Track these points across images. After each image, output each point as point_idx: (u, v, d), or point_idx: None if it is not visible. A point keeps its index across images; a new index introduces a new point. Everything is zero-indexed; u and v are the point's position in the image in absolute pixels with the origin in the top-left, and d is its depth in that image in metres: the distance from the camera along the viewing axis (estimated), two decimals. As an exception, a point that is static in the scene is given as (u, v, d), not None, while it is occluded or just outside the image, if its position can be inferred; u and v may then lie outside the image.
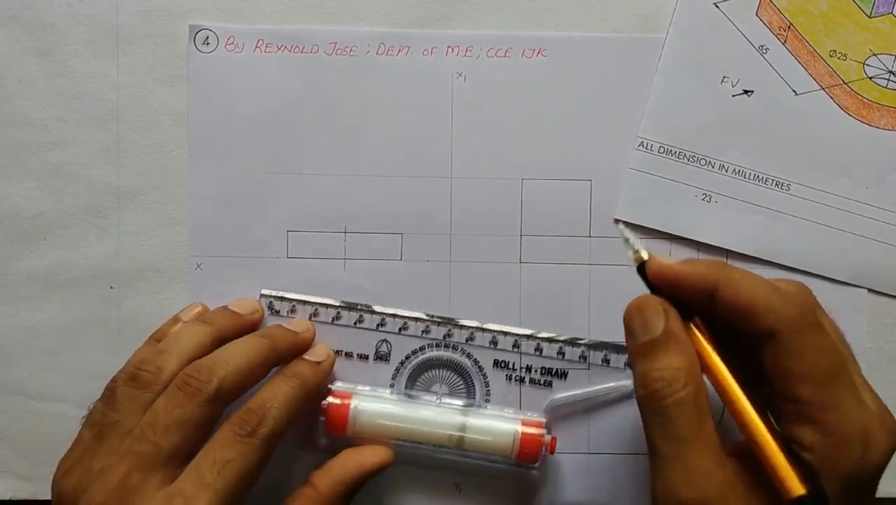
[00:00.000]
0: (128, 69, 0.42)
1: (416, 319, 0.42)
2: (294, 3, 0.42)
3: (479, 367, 0.42)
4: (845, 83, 0.41)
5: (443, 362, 0.42)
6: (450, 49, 0.42)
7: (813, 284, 0.34)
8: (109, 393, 0.37)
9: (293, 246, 0.42)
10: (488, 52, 0.42)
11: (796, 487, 0.30)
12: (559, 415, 0.42)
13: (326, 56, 0.42)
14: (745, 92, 0.41)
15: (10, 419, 0.43)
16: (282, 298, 0.42)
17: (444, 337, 0.42)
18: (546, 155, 0.42)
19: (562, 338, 0.42)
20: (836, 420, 0.31)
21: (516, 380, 0.42)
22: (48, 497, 0.43)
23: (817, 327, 0.32)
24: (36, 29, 0.42)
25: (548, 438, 0.40)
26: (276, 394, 0.37)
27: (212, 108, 0.42)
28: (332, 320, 0.42)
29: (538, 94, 0.42)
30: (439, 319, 0.42)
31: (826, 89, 0.41)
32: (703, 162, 0.42)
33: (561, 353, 0.42)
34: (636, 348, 0.33)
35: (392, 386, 0.42)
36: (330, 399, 0.40)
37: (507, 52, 0.42)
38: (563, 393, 0.42)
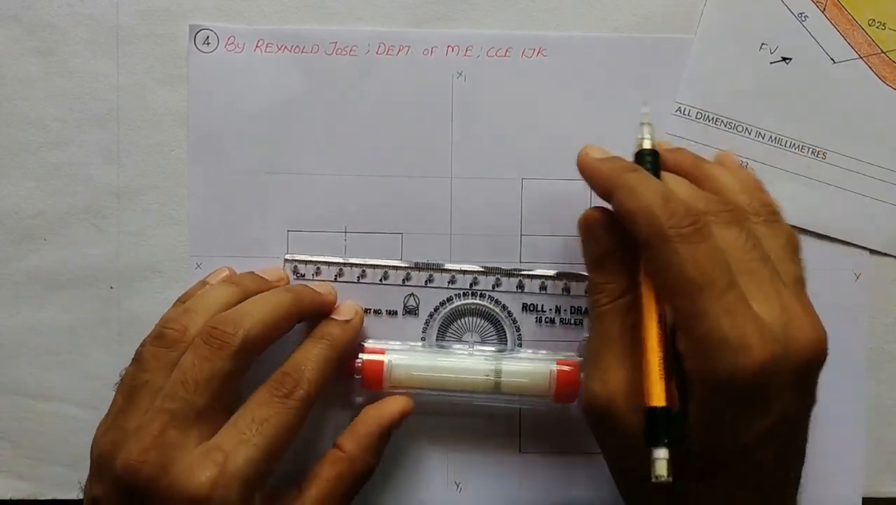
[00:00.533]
0: (128, 69, 0.42)
1: (442, 270, 0.42)
2: (294, 3, 0.42)
3: (508, 312, 0.42)
4: (884, 52, 0.42)
5: (472, 311, 0.42)
6: (450, 49, 0.42)
7: (846, 252, 0.40)
8: (138, 355, 0.37)
9: (293, 246, 0.42)
10: (488, 52, 0.42)
11: (655, 398, 0.31)
12: None
13: (326, 56, 0.42)
14: (784, 59, 0.41)
15: (10, 419, 0.43)
16: (306, 262, 0.42)
17: (471, 286, 0.42)
18: (546, 155, 0.42)
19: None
20: (703, 329, 0.31)
21: (547, 321, 0.42)
22: (48, 497, 0.43)
23: (693, 239, 0.32)
24: (36, 29, 0.42)
25: (582, 375, 0.40)
26: (308, 356, 0.38)
27: (212, 108, 0.42)
28: (358, 279, 0.42)
29: (538, 94, 0.42)
30: (465, 270, 0.42)
31: (864, 58, 0.42)
32: (739, 128, 0.42)
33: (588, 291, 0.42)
34: (588, 258, 0.37)
35: (423, 339, 0.42)
36: (364, 356, 0.40)
37: (507, 52, 0.42)
38: None
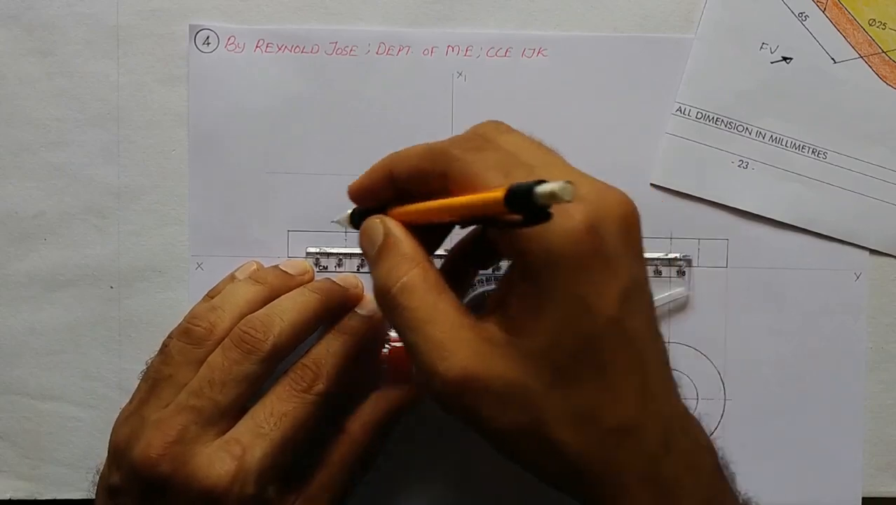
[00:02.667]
0: (128, 69, 0.42)
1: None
2: (294, 3, 0.42)
3: None
4: (884, 52, 0.42)
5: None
6: (450, 49, 0.42)
7: (846, 252, 0.41)
8: (164, 348, 0.37)
9: (293, 246, 0.42)
10: (488, 52, 0.42)
11: (499, 192, 0.28)
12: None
13: (327, 56, 0.42)
14: (784, 59, 0.41)
15: (10, 419, 0.43)
16: (328, 254, 0.42)
17: (493, 270, 0.42)
18: (546, 155, 0.42)
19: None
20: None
21: None
22: (48, 497, 0.43)
23: (483, 148, 0.31)
24: (36, 29, 0.42)
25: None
26: (329, 350, 0.38)
27: (212, 107, 0.42)
28: None
29: (538, 94, 0.42)
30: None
31: (865, 58, 0.42)
32: (740, 128, 0.42)
33: None
34: (370, 264, 0.34)
35: None
36: (390, 345, 0.40)
37: (507, 52, 0.42)
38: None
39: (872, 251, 0.42)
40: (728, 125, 0.42)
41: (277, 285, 0.39)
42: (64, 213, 0.42)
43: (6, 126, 0.42)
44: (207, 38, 0.42)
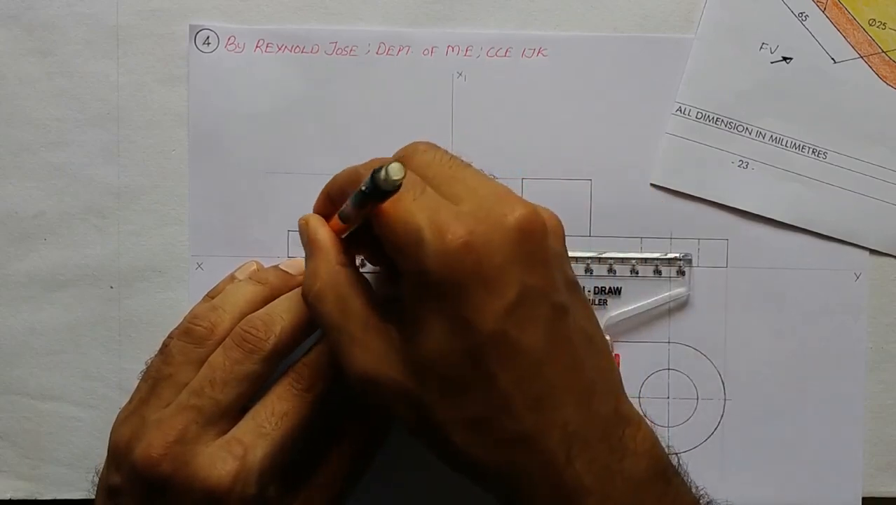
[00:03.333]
0: (128, 69, 0.42)
1: None
2: (294, 3, 0.42)
3: None
4: (884, 52, 0.42)
5: None
6: (450, 49, 0.42)
7: (846, 252, 0.41)
8: (164, 348, 0.37)
9: (293, 246, 0.42)
10: (488, 52, 0.42)
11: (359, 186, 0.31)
12: (620, 330, 0.42)
13: (327, 56, 0.42)
14: (784, 59, 0.41)
15: (10, 419, 0.43)
16: None
17: None
18: (546, 155, 0.42)
19: (611, 256, 0.42)
20: (401, 227, 0.31)
21: None
22: (48, 497, 0.43)
23: (413, 155, 0.33)
24: (36, 29, 0.42)
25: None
26: (326, 347, 0.37)
27: (212, 107, 0.42)
28: None
29: (538, 94, 0.42)
30: None
31: (865, 58, 0.42)
32: (739, 128, 0.42)
33: (612, 270, 0.42)
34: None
35: None
36: None
37: (507, 52, 0.42)
38: (619, 309, 0.42)
39: (872, 251, 0.42)
40: (728, 125, 0.42)
41: (278, 285, 0.39)
42: (64, 213, 0.42)
43: (6, 126, 0.42)
44: (207, 38, 0.42)
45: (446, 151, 0.34)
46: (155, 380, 0.36)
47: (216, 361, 0.36)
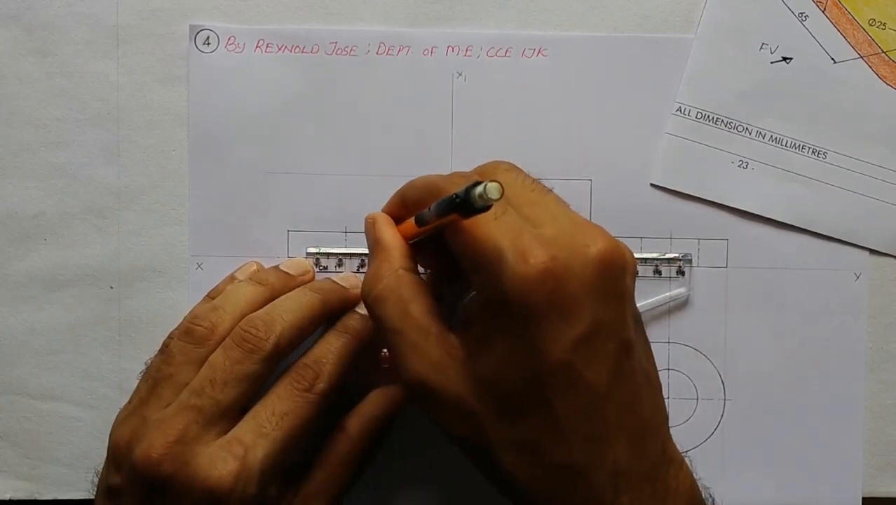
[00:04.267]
0: (128, 69, 0.42)
1: None
2: (294, 3, 0.42)
3: None
4: (884, 52, 0.42)
5: None
6: (450, 49, 0.42)
7: (846, 253, 0.41)
8: (164, 348, 0.37)
9: (293, 246, 0.42)
10: (488, 52, 0.42)
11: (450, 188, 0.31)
12: None
13: (326, 56, 0.42)
14: (784, 59, 0.41)
15: (10, 419, 0.43)
16: (328, 254, 0.42)
17: None
18: (546, 155, 0.42)
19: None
20: (483, 249, 0.31)
21: None
22: (48, 497, 0.43)
23: (495, 173, 0.34)
24: (36, 29, 0.42)
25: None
26: (330, 349, 0.38)
27: (212, 107, 0.42)
28: None
29: (538, 94, 0.42)
30: None
31: (865, 58, 0.42)
32: (739, 128, 0.42)
33: None
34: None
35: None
36: None
37: (507, 52, 0.42)
38: None
39: (872, 251, 0.42)
40: (728, 125, 0.42)
41: (278, 286, 0.40)
42: (64, 213, 0.42)
43: (6, 126, 0.42)
44: (207, 38, 0.42)
45: (527, 174, 0.34)
46: (155, 380, 0.36)
47: (216, 360, 0.36)
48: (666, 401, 0.42)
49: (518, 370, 0.30)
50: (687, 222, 0.42)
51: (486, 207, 0.29)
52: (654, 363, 0.34)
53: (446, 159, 0.42)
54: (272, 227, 0.42)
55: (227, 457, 0.34)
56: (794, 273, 0.42)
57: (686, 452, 0.42)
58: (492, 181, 0.28)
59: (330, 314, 0.39)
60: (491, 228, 0.31)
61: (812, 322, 0.42)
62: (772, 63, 0.42)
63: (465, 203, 0.29)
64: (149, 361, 0.38)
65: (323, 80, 0.42)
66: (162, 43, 0.42)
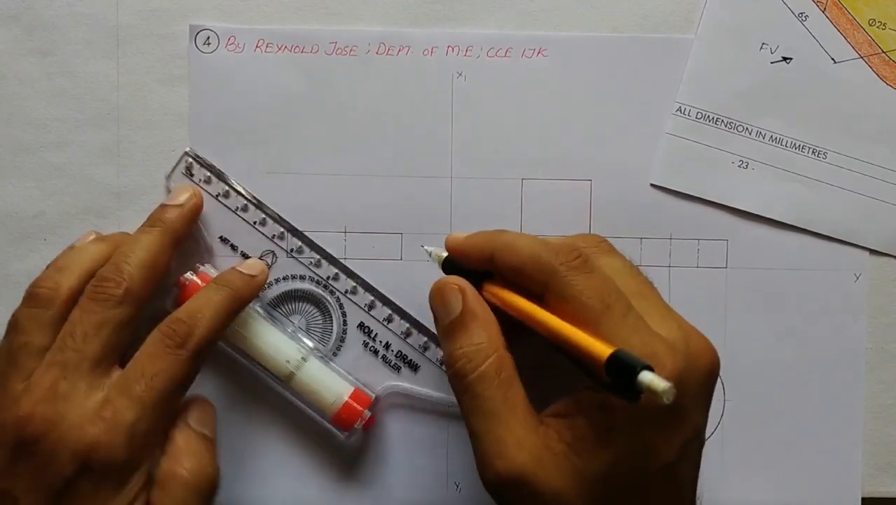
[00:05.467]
0: (128, 69, 0.42)
1: (315, 249, 0.42)
2: (294, 3, 0.42)
3: (345, 321, 0.42)
4: (884, 52, 0.42)
5: (312, 299, 0.42)
6: (450, 49, 0.42)
7: (846, 253, 0.41)
8: (12, 321, 0.36)
9: (293, 246, 0.42)
10: (488, 52, 0.42)
11: (605, 350, 0.29)
12: (393, 403, 0.42)
13: (327, 56, 0.42)
14: (784, 59, 0.41)
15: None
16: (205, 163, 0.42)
17: (328, 279, 0.42)
18: (546, 155, 0.42)
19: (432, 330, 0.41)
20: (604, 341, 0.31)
21: (371, 350, 0.42)
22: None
23: (584, 270, 0.32)
24: (36, 29, 0.42)
25: (367, 414, 0.40)
26: (206, 304, 0.37)
27: (212, 108, 0.42)
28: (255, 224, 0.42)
29: (538, 94, 0.42)
30: (334, 258, 0.42)
31: (865, 58, 0.42)
32: (740, 128, 0.42)
33: (424, 347, 0.42)
34: (441, 331, 0.35)
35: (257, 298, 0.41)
36: (189, 275, 0.40)
37: (507, 52, 0.42)
38: (404, 383, 0.42)
39: (872, 251, 0.42)
40: (728, 125, 0.42)
41: (121, 241, 0.39)
42: (64, 213, 0.42)
43: (6, 126, 0.42)
44: (208, 38, 0.42)
45: (625, 256, 0.35)
46: (10, 353, 0.36)
47: (74, 316, 0.35)
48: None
49: (629, 469, 0.31)
50: (687, 222, 0.42)
51: (638, 396, 0.28)
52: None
53: (446, 159, 0.42)
54: (272, 227, 0.42)
55: (95, 419, 0.34)
56: (794, 273, 0.42)
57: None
58: (669, 385, 0.28)
59: (177, 245, 0.39)
60: (621, 327, 0.31)
61: (812, 322, 0.42)
62: (772, 63, 0.42)
63: (622, 378, 0.29)
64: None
65: (323, 80, 0.42)
66: (162, 43, 0.42)
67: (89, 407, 0.34)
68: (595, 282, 0.32)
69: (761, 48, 0.42)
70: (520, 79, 0.42)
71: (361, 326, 0.42)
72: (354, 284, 0.42)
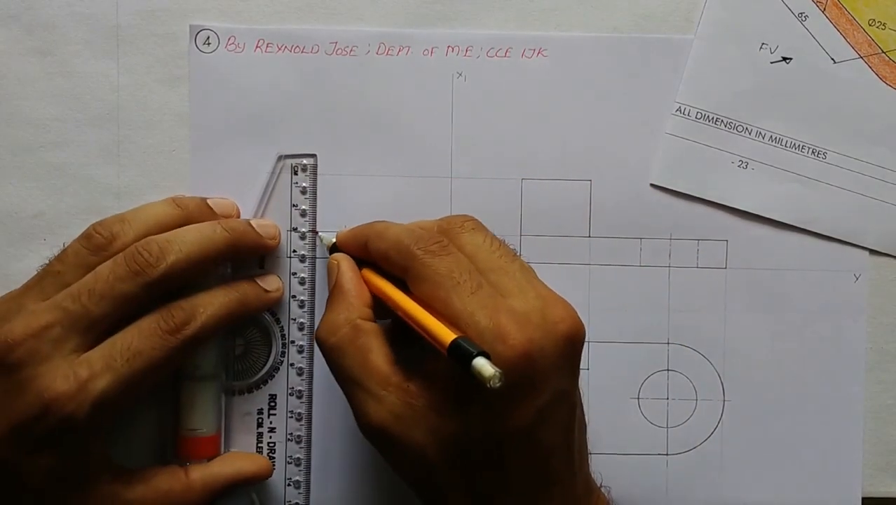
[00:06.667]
0: (128, 69, 0.42)
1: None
2: (294, 3, 0.42)
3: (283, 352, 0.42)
4: (884, 52, 0.42)
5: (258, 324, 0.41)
6: (450, 49, 0.42)
7: (846, 253, 0.41)
8: (64, 250, 0.37)
9: (293, 246, 0.42)
10: (488, 52, 0.42)
11: (447, 337, 0.31)
12: None
13: (327, 56, 0.42)
14: (784, 59, 0.41)
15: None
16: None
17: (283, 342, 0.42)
18: (546, 155, 0.42)
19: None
20: (462, 326, 0.32)
21: (265, 429, 0.42)
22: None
23: (440, 253, 0.34)
24: (36, 29, 0.42)
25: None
26: (212, 301, 0.37)
27: (212, 107, 0.42)
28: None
29: (538, 94, 0.42)
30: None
31: (864, 58, 0.42)
32: (739, 129, 0.42)
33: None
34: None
35: None
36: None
37: (507, 52, 0.42)
38: None
39: (872, 251, 0.42)
40: (728, 125, 0.42)
41: (194, 213, 0.39)
42: (64, 213, 0.42)
43: (6, 126, 0.42)
44: (208, 38, 0.42)
45: (492, 234, 0.36)
46: (45, 273, 0.37)
47: (101, 271, 0.36)
48: (665, 401, 0.42)
49: (481, 432, 0.32)
50: (687, 222, 0.42)
51: (477, 378, 0.30)
52: (581, 403, 0.36)
53: (446, 159, 0.42)
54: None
55: (69, 375, 0.34)
56: (794, 273, 0.42)
57: (686, 452, 0.42)
58: (498, 371, 0.29)
59: (235, 256, 0.39)
60: (468, 304, 0.32)
61: (812, 322, 0.42)
62: (772, 63, 0.42)
63: (461, 364, 0.31)
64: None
65: (323, 80, 0.42)
66: (162, 43, 0.42)
67: (69, 362, 0.34)
68: (448, 261, 0.34)
69: (761, 48, 0.42)
70: (520, 79, 0.42)
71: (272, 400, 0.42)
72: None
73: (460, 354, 0.31)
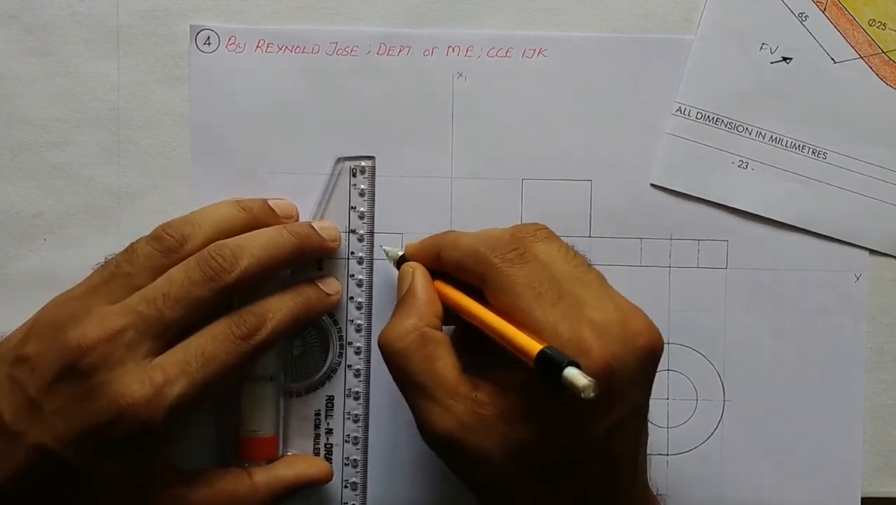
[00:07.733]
0: (128, 69, 0.42)
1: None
2: (294, 2, 0.42)
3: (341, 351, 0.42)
4: (884, 52, 0.42)
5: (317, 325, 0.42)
6: (450, 49, 0.42)
7: (846, 253, 0.41)
8: (130, 248, 0.37)
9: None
10: (488, 52, 0.42)
11: (534, 348, 0.31)
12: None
13: (327, 56, 0.42)
14: (784, 59, 0.41)
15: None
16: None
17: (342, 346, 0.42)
18: (546, 155, 0.42)
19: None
20: (545, 339, 0.31)
21: (322, 431, 0.42)
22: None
23: (518, 262, 0.34)
24: (36, 29, 0.42)
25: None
26: (280, 306, 0.37)
27: (213, 108, 0.42)
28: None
29: (538, 94, 0.42)
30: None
31: (865, 58, 0.42)
32: (739, 129, 0.42)
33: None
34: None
35: None
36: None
37: (507, 52, 0.42)
38: None
39: (872, 251, 0.42)
40: (728, 125, 0.42)
41: (260, 218, 0.39)
42: (64, 213, 0.42)
43: (6, 126, 0.42)
44: (208, 38, 0.42)
45: (565, 242, 0.36)
46: (112, 274, 0.36)
47: (176, 276, 0.36)
48: (666, 401, 0.42)
49: (556, 442, 0.32)
50: (687, 223, 0.42)
51: (564, 387, 0.29)
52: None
53: (446, 159, 0.42)
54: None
55: (145, 381, 0.34)
56: (794, 273, 0.42)
57: (686, 452, 0.42)
58: (591, 381, 0.29)
59: (301, 260, 0.39)
60: (550, 315, 0.32)
61: (812, 322, 0.42)
62: (772, 63, 0.42)
63: (549, 375, 0.30)
64: (109, 256, 0.37)
65: (323, 80, 0.42)
66: (162, 43, 0.42)
67: (142, 367, 0.34)
68: (527, 271, 0.33)
69: (761, 48, 0.42)
70: (520, 79, 0.42)
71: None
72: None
73: (549, 364, 0.30)
